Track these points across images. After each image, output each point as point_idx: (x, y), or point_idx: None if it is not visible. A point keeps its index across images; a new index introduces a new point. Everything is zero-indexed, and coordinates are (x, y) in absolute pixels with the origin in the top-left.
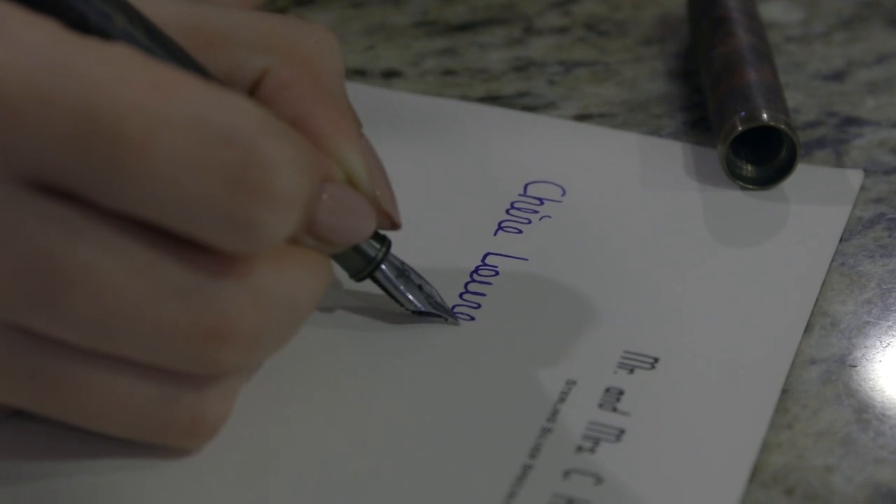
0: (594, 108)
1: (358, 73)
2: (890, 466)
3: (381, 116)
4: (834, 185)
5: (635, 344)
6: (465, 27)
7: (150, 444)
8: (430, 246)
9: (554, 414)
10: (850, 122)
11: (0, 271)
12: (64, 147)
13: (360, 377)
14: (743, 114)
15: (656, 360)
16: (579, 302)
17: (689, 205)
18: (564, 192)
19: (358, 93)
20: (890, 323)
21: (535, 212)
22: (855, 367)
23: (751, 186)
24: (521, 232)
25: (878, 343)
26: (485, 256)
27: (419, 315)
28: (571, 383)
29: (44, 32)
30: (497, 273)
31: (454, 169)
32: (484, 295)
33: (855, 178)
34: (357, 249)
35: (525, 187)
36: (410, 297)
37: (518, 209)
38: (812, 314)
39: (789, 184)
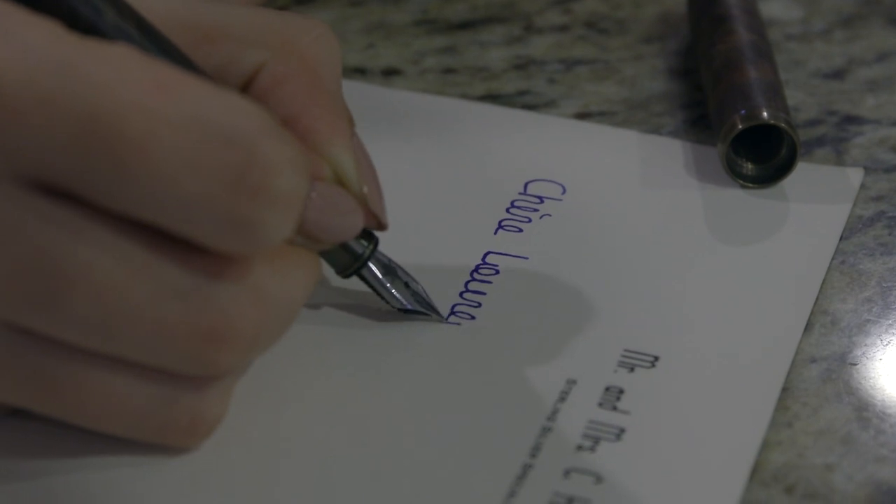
0: (594, 106)
1: (358, 72)
2: (890, 465)
3: (380, 115)
4: (834, 183)
5: (635, 342)
6: (465, 25)
7: (148, 443)
8: (430, 245)
9: (554, 413)
10: (851, 120)
11: (0, 271)
12: (64, 147)
13: (361, 378)
14: (743, 112)
15: (656, 358)
16: (579, 300)
17: (690, 203)
18: (564, 191)
19: (358, 91)
20: (890, 321)
21: (536, 210)
22: (855, 365)
23: (751, 185)
24: (521, 231)
25: (879, 341)
26: (485, 255)
27: (405, 313)
28: (572, 382)
29: (44, 32)
30: (497, 272)
31: (454, 168)
32: (484, 294)
33: (855, 176)
34: (344, 246)
35: (525, 186)
36: (396, 294)
37: (518, 208)
38: (812, 312)
39: (789, 182)
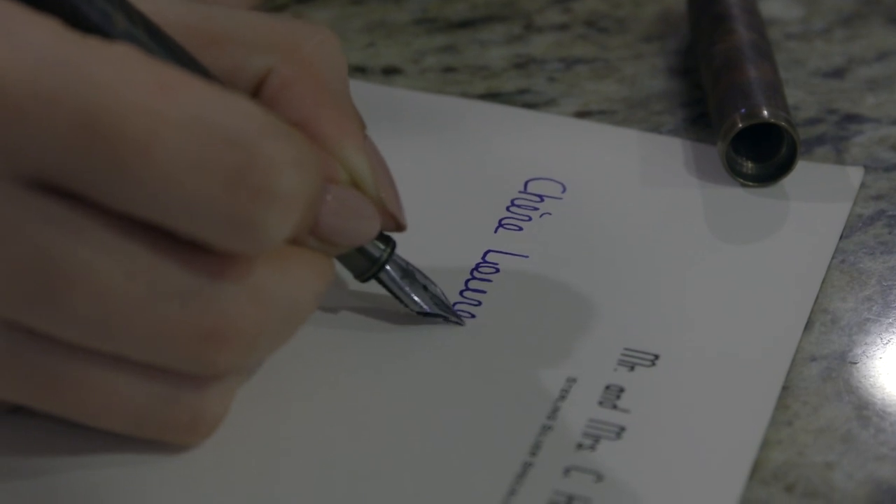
0: (594, 104)
1: (358, 70)
2: (890, 463)
3: (381, 114)
4: (834, 182)
5: (636, 341)
6: (465, 24)
7: (149, 441)
8: (430, 243)
9: (554, 411)
10: (851, 119)
11: (0, 270)
12: (66, 146)
13: (361, 376)
14: (743, 111)
15: (656, 357)
16: (580, 299)
17: (690, 202)
18: (565, 189)
19: (358, 90)
20: (890, 320)
21: (536, 209)
22: (855, 363)
23: (751, 183)
24: (521, 229)
25: (879, 340)
26: (485, 254)
27: (424, 316)
28: (572, 381)
29: (46, 31)
30: (497, 270)
31: (454, 166)
32: (484, 292)
33: (855, 175)
34: (361, 250)
35: (525, 184)
36: (415, 297)
37: (518, 206)
38: (812, 311)
39: (789, 181)
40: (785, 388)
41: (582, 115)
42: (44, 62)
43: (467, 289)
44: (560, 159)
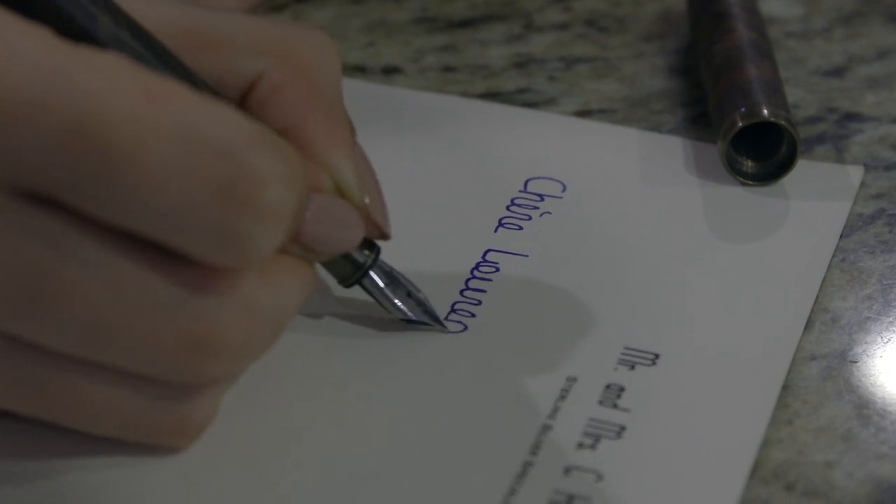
0: (594, 104)
1: (358, 70)
2: (891, 462)
3: (380, 113)
4: (834, 181)
5: (636, 340)
6: (465, 23)
7: (145, 443)
8: (430, 243)
9: (554, 411)
10: (851, 117)
11: None
12: (53, 155)
13: (362, 376)
14: (743, 110)
15: (657, 356)
16: (580, 298)
17: (690, 201)
18: (565, 189)
19: (358, 89)
20: (891, 319)
21: (536, 208)
22: (855, 362)
23: (751, 182)
24: (521, 228)
25: (879, 339)
26: (485, 253)
27: (407, 322)
28: (572, 380)
29: (36, 40)
30: (497, 270)
31: (454, 165)
32: (484, 292)
33: (855, 174)
34: (346, 256)
35: (525, 183)
36: (399, 303)
37: (518, 205)
38: (812, 310)
39: (789, 180)
40: (785, 387)
41: (582, 114)
42: (32, 71)
43: (467, 288)
44: (560, 158)
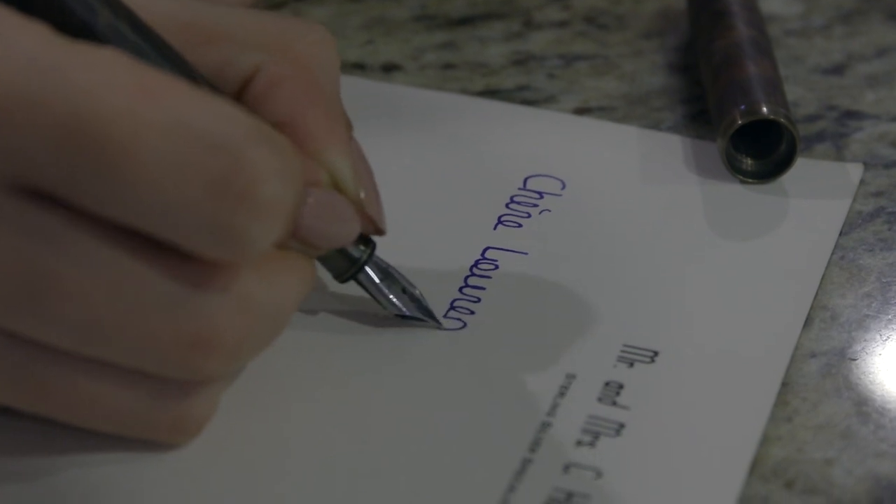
0: (594, 101)
1: (357, 67)
2: (890, 459)
3: (380, 110)
4: (834, 178)
5: (635, 338)
6: (464, 21)
7: (146, 440)
8: (429, 240)
9: (553, 408)
10: (850, 115)
11: None
12: (50, 150)
13: (361, 375)
14: (743, 107)
15: (656, 353)
16: (579, 296)
17: (689, 198)
18: (564, 186)
19: (357, 86)
20: (890, 316)
21: (535, 206)
22: (855, 360)
23: (750, 180)
24: (520, 226)
25: (878, 336)
26: (484, 250)
27: (402, 318)
28: (571, 377)
29: (34, 36)
30: (496, 267)
31: (454, 163)
32: (483, 289)
33: (855, 171)
34: (341, 251)
35: (525, 181)
36: (394, 299)
37: (518, 203)
38: (812, 307)
39: (789, 177)
40: (784, 385)
41: (581, 111)
42: (29, 66)
43: (466, 285)
44: (559, 156)
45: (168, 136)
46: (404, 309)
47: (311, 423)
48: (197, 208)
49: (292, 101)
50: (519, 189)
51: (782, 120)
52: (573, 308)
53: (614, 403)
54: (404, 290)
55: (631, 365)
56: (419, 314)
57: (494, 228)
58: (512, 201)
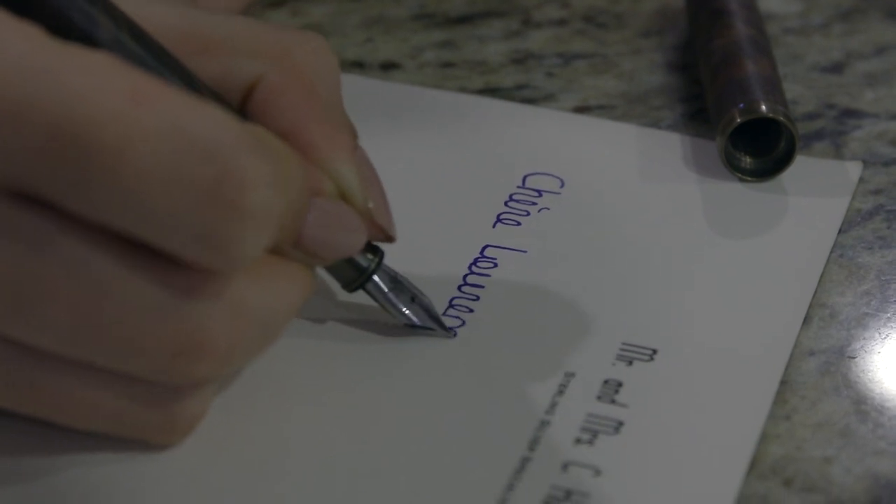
0: (593, 100)
1: (356, 66)
2: (889, 458)
3: (379, 109)
4: (833, 176)
5: (634, 336)
6: (463, 20)
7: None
8: (428, 238)
9: (552, 406)
10: (849, 113)
11: None
12: (40, 154)
13: (361, 374)
14: (741, 106)
15: (655, 351)
16: (578, 294)
17: (688, 197)
18: (563, 184)
19: (356, 85)
20: (888, 314)
21: (534, 204)
22: (854, 358)
23: (749, 178)
24: (519, 224)
25: (877, 334)
26: (483, 249)
27: (412, 328)
28: (570, 375)
29: (26, 38)
30: (496, 265)
31: (453, 161)
32: (483, 287)
33: (854, 169)
34: (349, 260)
35: (524, 179)
36: (403, 308)
37: (517, 201)
38: (811, 306)
39: (788, 176)
40: (783, 383)
41: (580, 110)
42: (21, 69)
43: (465, 284)
44: (558, 154)
45: (158, 142)
46: (414, 318)
47: (311, 423)
48: (184, 215)
49: (295, 112)
50: (518, 187)
51: (781, 118)
52: (572, 306)
53: (613, 402)
54: (414, 299)
55: (630, 363)
56: (429, 323)
57: (493, 227)
58: (511, 199)
